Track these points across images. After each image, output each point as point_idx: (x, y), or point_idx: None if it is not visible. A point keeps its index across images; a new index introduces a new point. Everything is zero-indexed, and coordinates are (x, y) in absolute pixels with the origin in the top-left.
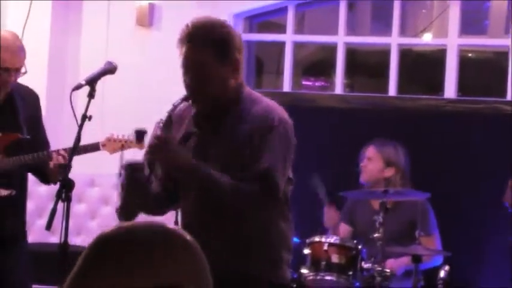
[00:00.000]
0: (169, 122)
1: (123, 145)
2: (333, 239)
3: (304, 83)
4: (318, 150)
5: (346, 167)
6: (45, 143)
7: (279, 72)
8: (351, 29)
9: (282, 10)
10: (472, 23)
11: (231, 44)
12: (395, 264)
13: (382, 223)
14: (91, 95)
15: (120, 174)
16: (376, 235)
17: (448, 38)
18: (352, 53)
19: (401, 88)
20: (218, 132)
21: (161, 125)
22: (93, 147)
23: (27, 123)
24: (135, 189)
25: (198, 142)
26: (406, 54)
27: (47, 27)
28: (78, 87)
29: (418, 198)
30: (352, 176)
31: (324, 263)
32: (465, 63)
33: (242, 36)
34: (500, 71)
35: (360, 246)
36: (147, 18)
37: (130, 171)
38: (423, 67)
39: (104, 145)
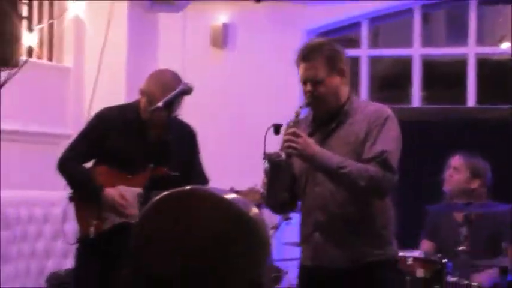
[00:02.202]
0: (297, 121)
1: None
2: (417, 254)
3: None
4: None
5: (426, 179)
6: (201, 180)
7: (355, 87)
8: (426, 41)
9: (355, 25)
10: None
11: (337, 57)
12: (482, 278)
13: (467, 236)
14: (168, 117)
15: (264, 164)
16: (460, 248)
17: None
18: (428, 65)
19: (480, 98)
20: (336, 132)
21: (292, 123)
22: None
23: (180, 159)
24: (278, 176)
25: (318, 142)
26: (484, 63)
27: (123, 49)
28: (156, 109)
29: (500, 210)
30: (432, 188)
31: (408, 278)
32: None
33: None
34: None
35: (445, 260)
36: (221, 39)
37: (271, 161)
38: (502, 76)
39: (246, 194)
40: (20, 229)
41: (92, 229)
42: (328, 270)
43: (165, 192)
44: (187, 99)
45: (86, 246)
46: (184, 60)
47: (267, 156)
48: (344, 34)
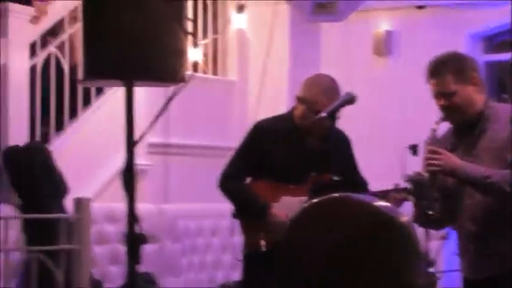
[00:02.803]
0: (434, 137)
1: (405, 198)
2: None
3: None
4: None
5: None
6: (360, 184)
7: None
8: None
9: None
10: None
11: (465, 66)
12: None
13: None
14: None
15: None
16: None
17: None
18: None
19: None
20: (481, 140)
21: (429, 140)
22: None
23: (339, 166)
24: (422, 195)
25: (461, 154)
26: None
27: (286, 60)
28: (320, 119)
29: None
30: None
31: None
32: None
33: (482, 57)
34: None
35: None
36: (384, 47)
37: (413, 180)
38: None
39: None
40: (189, 241)
41: (263, 242)
42: (485, 281)
43: (314, 200)
44: (353, 108)
45: (253, 258)
46: (347, 69)
47: (408, 177)
48: (509, 38)
